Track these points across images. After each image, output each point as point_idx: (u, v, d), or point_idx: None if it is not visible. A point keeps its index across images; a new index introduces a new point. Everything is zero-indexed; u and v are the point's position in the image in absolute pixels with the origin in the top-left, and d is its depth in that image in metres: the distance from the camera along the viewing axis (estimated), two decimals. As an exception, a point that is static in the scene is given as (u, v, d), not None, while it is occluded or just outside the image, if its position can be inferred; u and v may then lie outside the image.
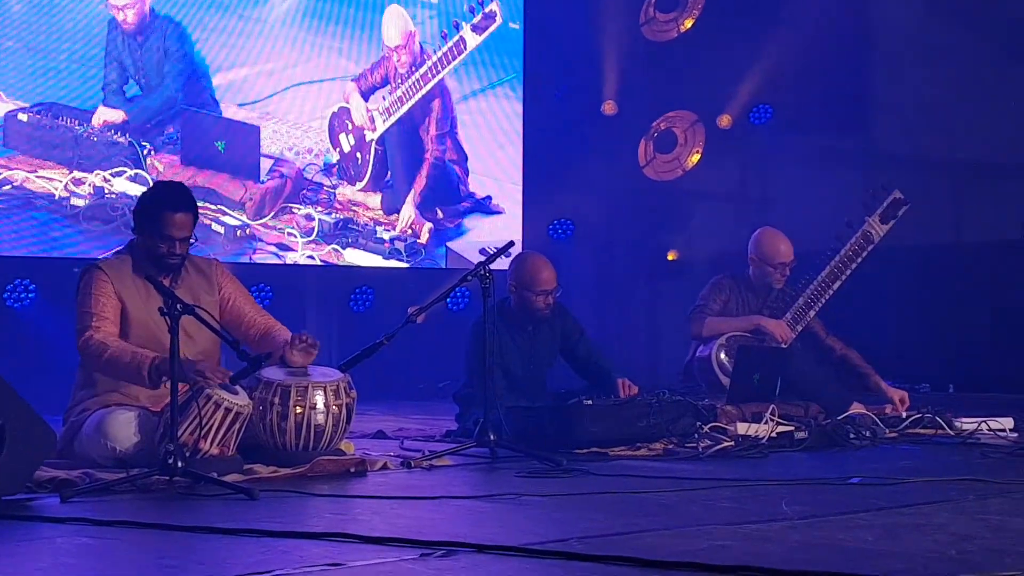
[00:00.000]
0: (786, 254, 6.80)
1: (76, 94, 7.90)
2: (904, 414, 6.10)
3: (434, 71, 9.27)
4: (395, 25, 9.22)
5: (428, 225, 9.29)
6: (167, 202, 4.72)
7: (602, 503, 3.94)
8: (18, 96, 7.69)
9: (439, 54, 9.26)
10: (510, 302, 6.03)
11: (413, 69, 9.21)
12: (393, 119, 9.16)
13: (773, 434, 5.41)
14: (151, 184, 5.17)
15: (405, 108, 9.20)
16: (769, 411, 5.50)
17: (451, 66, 9.33)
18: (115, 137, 8.01)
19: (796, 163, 10.02)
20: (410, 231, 9.21)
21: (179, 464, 4.10)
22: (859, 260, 6.91)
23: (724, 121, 10.24)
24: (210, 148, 8.42)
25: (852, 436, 5.55)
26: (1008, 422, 5.93)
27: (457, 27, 9.30)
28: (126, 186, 7.98)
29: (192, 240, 4.80)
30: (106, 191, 7.94)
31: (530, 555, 2.99)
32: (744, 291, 6.82)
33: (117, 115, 8.03)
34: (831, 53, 9.78)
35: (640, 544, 3.11)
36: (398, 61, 9.20)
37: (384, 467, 4.79)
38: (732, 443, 5.26)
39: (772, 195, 10.33)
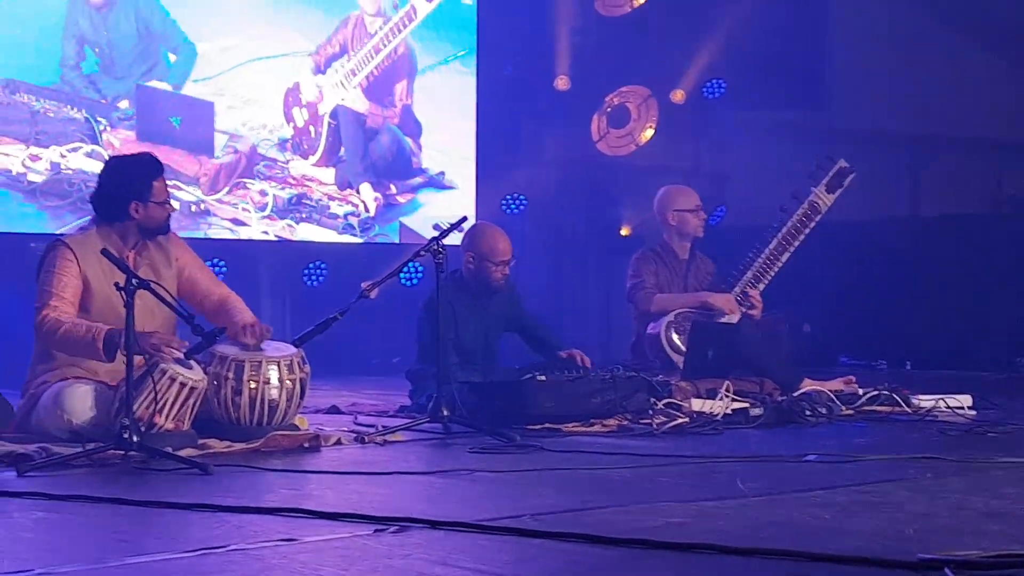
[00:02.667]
0: (696, 199, 6.90)
1: (33, 70, 7.81)
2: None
3: (386, 40, 9.23)
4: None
5: (376, 195, 9.26)
6: (154, 170, 4.84)
7: (556, 479, 3.95)
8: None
9: (391, 23, 9.23)
10: (461, 273, 6.03)
11: (376, 16, 9.15)
12: (348, 90, 9.11)
13: (728, 410, 5.42)
14: (115, 158, 5.20)
15: (359, 77, 9.15)
16: (724, 387, 5.52)
17: (402, 35, 9.28)
18: (71, 113, 7.93)
19: (750, 137, 10.07)
20: (362, 204, 9.18)
21: (134, 438, 4.09)
22: (807, 231, 6.93)
23: (677, 96, 10.26)
24: (165, 124, 8.34)
25: (808, 413, 5.55)
26: (966, 399, 5.92)
27: (409, -4, 9.28)
28: (82, 162, 7.90)
29: None
30: (62, 167, 7.86)
31: (483, 531, 3.00)
32: (668, 259, 6.88)
33: (82, 99, 7.93)
34: (784, 26, 9.81)
35: (593, 521, 3.13)
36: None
37: (338, 442, 4.79)
38: (687, 419, 5.27)
39: (726, 170, 10.37)
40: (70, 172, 7.88)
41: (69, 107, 7.93)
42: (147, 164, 4.88)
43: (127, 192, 4.78)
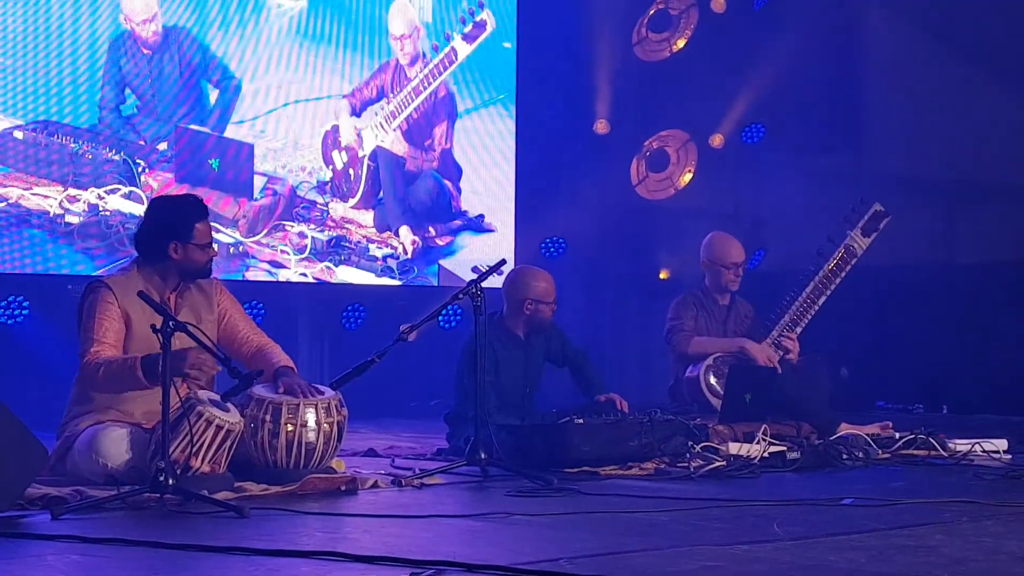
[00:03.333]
0: (737, 255, 6.90)
1: (70, 112, 7.91)
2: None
3: (426, 83, 9.30)
4: (402, 14, 9.24)
5: (414, 238, 9.29)
6: (198, 213, 4.84)
7: (593, 523, 3.94)
8: (13, 114, 7.70)
9: (431, 65, 9.30)
10: (501, 315, 6.05)
11: (412, 65, 9.23)
12: (388, 133, 9.18)
13: (765, 454, 5.41)
14: (160, 198, 5.24)
15: (399, 120, 9.22)
16: (761, 431, 5.50)
17: (443, 76, 9.35)
18: (109, 155, 8.02)
19: (789, 182, 10.05)
20: (400, 246, 9.22)
21: (170, 481, 4.10)
22: (843, 275, 6.93)
23: (716, 140, 10.27)
24: (204, 166, 8.42)
25: (844, 456, 5.54)
26: (1002, 443, 5.90)
27: (448, 38, 9.34)
28: (120, 203, 7.98)
29: None
30: (100, 208, 7.94)
31: (520, 574, 2.99)
32: (708, 305, 6.89)
33: (120, 141, 8.04)
34: (823, 72, 9.82)
35: (630, 564, 3.11)
36: (401, 51, 9.21)
37: (375, 485, 4.79)
38: (724, 463, 5.25)
39: (764, 214, 10.35)
40: (108, 213, 7.95)
41: (107, 149, 8.02)
42: (191, 205, 4.91)
43: (167, 232, 4.80)
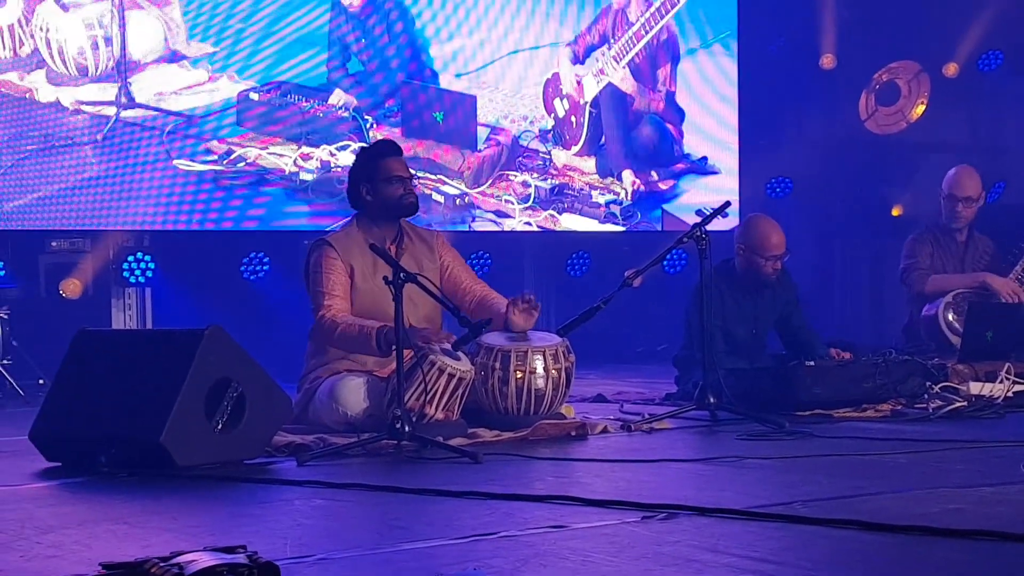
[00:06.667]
0: (971, 188, 6.65)
1: (302, 72, 8.14)
2: None
3: (648, 25, 9.18)
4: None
5: (635, 180, 9.23)
6: (383, 152, 5.00)
7: (827, 466, 3.87)
8: (249, 76, 7.98)
9: (653, 8, 9.18)
10: (735, 263, 5.95)
11: (628, 7, 9.12)
12: (617, 70, 9.10)
13: (1009, 393, 5.22)
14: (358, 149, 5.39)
15: (624, 62, 9.14)
16: (1005, 369, 5.30)
17: (666, 18, 9.20)
18: (340, 113, 8.24)
19: (1030, 109, 9.61)
20: (623, 191, 9.19)
21: (406, 429, 4.21)
22: None
23: (951, 70, 9.86)
24: (429, 119, 8.57)
25: (1097, 395, 5.30)
26: None
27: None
28: (350, 159, 8.17)
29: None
30: (332, 165, 8.17)
31: (753, 518, 2.96)
32: (945, 241, 6.67)
33: (349, 99, 8.25)
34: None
35: (867, 507, 3.05)
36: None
37: (604, 430, 4.82)
38: (965, 403, 5.10)
39: (1004, 145, 9.92)
40: (339, 170, 8.17)
41: (337, 107, 8.23)
42: (376, 145, 5.08)
43: (357, 178, 4.97)
